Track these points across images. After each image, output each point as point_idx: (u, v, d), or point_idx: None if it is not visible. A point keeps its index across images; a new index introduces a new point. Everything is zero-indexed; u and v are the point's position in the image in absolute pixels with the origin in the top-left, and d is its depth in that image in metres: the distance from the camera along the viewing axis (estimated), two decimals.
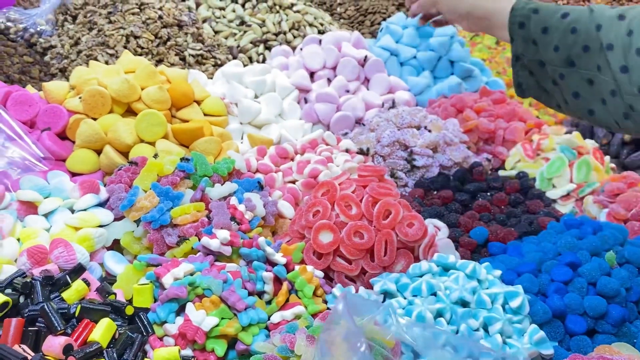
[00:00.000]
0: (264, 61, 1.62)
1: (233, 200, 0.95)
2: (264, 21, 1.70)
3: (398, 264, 0.88)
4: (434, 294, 0.80)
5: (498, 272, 0.84)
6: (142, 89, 1.15)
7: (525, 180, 1.17)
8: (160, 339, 0.75)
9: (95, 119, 1.11)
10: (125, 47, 1.49)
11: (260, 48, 1.65)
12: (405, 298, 0.82)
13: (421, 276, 0.83)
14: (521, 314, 0.79)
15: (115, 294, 0.79)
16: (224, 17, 1.75)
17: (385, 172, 1.04)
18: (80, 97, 1.13)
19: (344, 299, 0.65)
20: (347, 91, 1.39)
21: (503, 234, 1.01)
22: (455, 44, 1.55)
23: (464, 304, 0.79)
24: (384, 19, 1.81)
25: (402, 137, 1.20)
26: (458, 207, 1.10)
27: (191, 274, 0.79)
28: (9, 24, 1.62)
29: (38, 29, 1.64)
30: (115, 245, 0.93)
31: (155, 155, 1.04)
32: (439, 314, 0.77)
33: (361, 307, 0.67)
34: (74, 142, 1.11)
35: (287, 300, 0.82)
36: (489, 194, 1.14)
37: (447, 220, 1.05)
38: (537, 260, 0.88)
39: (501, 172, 1.24)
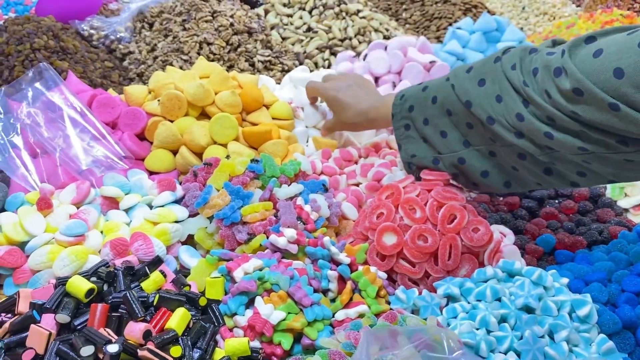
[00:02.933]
0: (329, 66, 1.65)
1: (299, 201, 0.98)
2: (330, 27, 1.74)
3: (462, 268, 0.88)
4: (499, 300, 0.80)
5: (565, 280, 0.83)
6: (216, 94, 1.21)
7: (596, 189, 1.14)
8: (230, 330, 0.78)
9: (172, 121, 1.17)
10: (198, 53, 1.56)
11: (326, 54, 1.68)
12: (469, 302, 0.82)
13: (486, 281, 0.83)
14: (589, 323, 0.77)
15: (189, 285, 0.83)
16: (291, 24, 1.80)
17: (451, 177, 1.05)
18: (158, 100, 1.19)
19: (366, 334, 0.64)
20: None
21: (571, 242, 0.99)
22: None
23: (529, 310, 0.78)
24: (450, 24, 1.81)
25: None
26: (525, 213, 1.08)
27: (260, 270, 0.83)
28: (92, 31, 1.72)
29: (118, 36, 1.74)
30: (190, 240, 0.98)
31: (227, 157, 1.09)
32: (503, 319, 0.77)
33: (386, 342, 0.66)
34: (152, 143, 1.18)
35: (351, 299, 0.84)
36: (557, 201, 1.12)
37: (513, 227, 1.04)
38: (607, 269, 0.86)
39: None
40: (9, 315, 0.78)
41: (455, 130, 0.91)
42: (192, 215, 1.00)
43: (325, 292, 0.84)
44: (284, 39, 1.76)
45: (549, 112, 0.75)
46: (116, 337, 0.70)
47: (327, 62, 1.67)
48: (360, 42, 1.71)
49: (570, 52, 0.74)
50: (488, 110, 0.83)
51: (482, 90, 0.84)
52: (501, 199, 1.13)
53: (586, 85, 0.70)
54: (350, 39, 1.71)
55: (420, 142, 0.96)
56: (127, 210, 0.99)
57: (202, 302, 0.79)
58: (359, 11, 1.79)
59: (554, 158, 0.81)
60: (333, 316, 0.80)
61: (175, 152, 1.15)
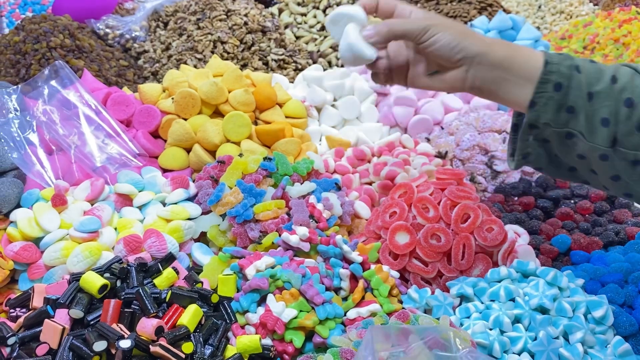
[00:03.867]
0: (342, 65, 1.65)
1: (312, 199, 0.98)
2: None
3: (476, 268, 0.87)
4: (513, 300, 0.79)
5: (581, 281, 0.82)
6: (229, 92, 1.21)
7: None
8: (242, 327, 0.78)
9: (185, 119, 1.17)
10: (212, 52, 1.56)
11: None
12: (482, 302, 0.81)
13: (499, 281, 0.83)
14: (604, 325, 0.76)
15: (201, 282, 0.84)
16: (305, 22, 1.80)
17: (465, 175, 1.04)
18: (172, 99, 1.20)
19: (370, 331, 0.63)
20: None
21: (587, 242, 0.97)
22: (540, 48, 1.51)
23: (543, 311, 0.78)
24: (465, 23, 1.79)
25: (483, 141, 1.18)
26: (539, 213, 1.07)
27: (272, 267, 0.83)
28: (107, 30, 1.74)
29: (133, 35, 1.75)
30: (202, 237, 0.99)
31: (240, 155, 1.09)
32: (517, 320, 0.77)
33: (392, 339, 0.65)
34: (165, 141, 1.18)
35: (363, 297, 0.83)
36: (572, 201, 1.10)
37: (528, 227, 1.02)
38: (623, 270, 0.85)
39: None
40: (24, 310, 0.79)
41: (617, 125, 0.71)
42: (205, 212, 1.00)
43: (337, 290, 0.83)
44: (297, 37, 1.76)
45: None
46: (129, 332, 0.70)
47: (340, 61, 1.66)
48: None
49: None
50: None
51: None
52: (516, 198, 1.12)
53: None
54: None
55: (564, 112, 0.73)
56: (140, 207, 0.99)
57: (214, 299, 0.79)
58: None
59: None
60: (345, 315, 0.79)
61: (188, 150, 1.16)
